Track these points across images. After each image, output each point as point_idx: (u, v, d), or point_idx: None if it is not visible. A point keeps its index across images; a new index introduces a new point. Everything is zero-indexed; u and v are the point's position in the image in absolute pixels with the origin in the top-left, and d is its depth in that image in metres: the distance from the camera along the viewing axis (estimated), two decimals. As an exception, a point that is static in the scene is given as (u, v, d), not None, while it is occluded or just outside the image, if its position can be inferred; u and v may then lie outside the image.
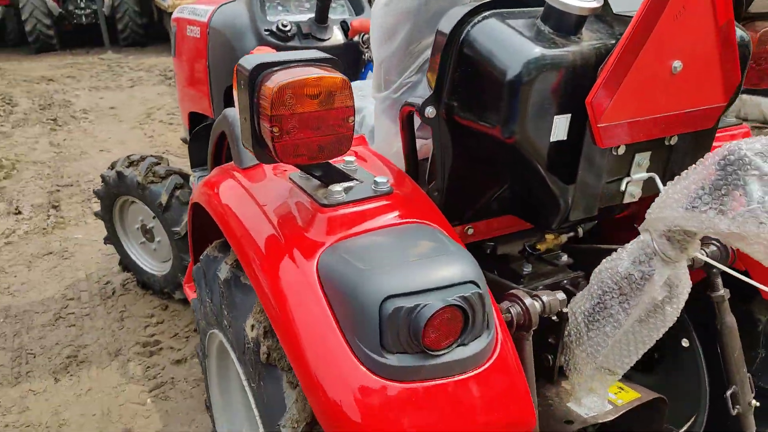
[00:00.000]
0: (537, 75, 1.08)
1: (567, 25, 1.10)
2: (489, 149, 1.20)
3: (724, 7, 1.11)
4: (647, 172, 1.23)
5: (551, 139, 1.13)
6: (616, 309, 1.21)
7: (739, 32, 1.30)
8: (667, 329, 1.23)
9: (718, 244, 1.46)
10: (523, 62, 1.07)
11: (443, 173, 1.26)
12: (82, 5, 12.70)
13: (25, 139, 6.51)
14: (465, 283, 0.99)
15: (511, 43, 1.10)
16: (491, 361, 1.02)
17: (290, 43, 2.30)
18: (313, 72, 1.01)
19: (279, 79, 0.98)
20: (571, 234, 1.51)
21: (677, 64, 1.11)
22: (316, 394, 0.99)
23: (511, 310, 1.19)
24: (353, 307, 0.98)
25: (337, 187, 1.18)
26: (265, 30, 2.27)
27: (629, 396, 1.44)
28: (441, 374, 0.98)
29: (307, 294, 1.04)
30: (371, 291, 0.97)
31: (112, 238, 3.29)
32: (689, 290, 1.20)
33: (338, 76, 1.02)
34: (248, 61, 1.04)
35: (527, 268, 1.47)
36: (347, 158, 1.30)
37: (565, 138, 1.14)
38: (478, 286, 1.00)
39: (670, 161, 1.29)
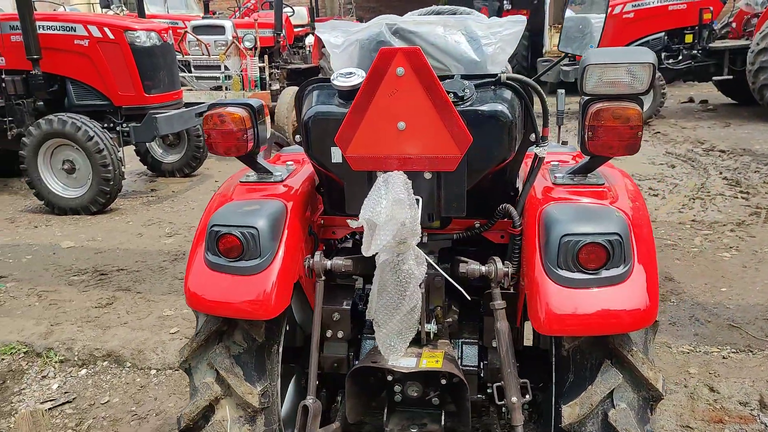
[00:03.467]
0: (316, 121, 1.78)
1: (345, 95, 1.76)
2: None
3: (436, 91, 1.60)
4: (414, 195, 1.75)
5: (332, 161, 1.81)
6: (376, 278, 1.80)
7: (499, 107, 1.71)
8: (407, 302, 1.75)
9: (497, 263, 1.80)
10: (310, 113, 1.80)
11: (319, 178, 2.03)
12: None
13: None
14: (250, 227, 1.80)
15: (309, 102, 1.83)
16: (258, 274, 1.79)
17: None
18: (229, 109, 1.95)
19: (210, 112, 1.96)
20: None
21: (401, 124, 1.64)
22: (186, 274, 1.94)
23: (308, 260, 1.91)
24: (206, 231, 1.90)
25: (252, 173, 2.09)
26: None
27: (433, 365, 1.91)
28: (230, 272, 1.81)
29: (204, 226, 1.97)
30: (210, 222, 1.87)
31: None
32: (420, 276, 1.71)
33: (240, 113, 1.93)
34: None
35: None
36: (288, 162, 2.19)
37: (341, 161, 1.79)
38: (257, 231, 1.80)
39: (430, 190, 1.75)
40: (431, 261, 1.76)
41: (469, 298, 1.79)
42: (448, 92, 1.70)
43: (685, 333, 3.49)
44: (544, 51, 13.81)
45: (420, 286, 1.83)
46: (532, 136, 1.86)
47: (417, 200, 1.76)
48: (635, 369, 1.72)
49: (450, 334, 2.10)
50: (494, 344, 2.08)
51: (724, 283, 4.10)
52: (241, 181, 2.09)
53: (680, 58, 10.34)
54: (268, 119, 2.13)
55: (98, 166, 5.88)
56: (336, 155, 1.81)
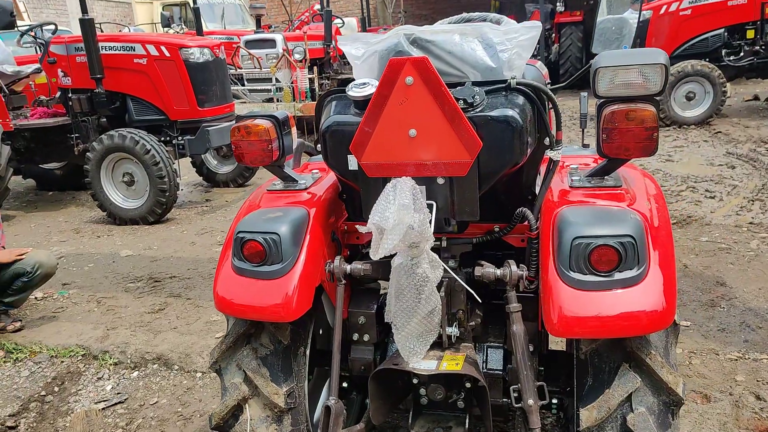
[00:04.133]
0: (333, 130, 1.85)
1: (360, 105, 1.82)
2: None
3: (444, 99, 1.64)
4: (427, 200, 1.79)
5: (349, 168, 1.87)
6: (392, 282, 1.85)
7: (510, 112, 1.73)
8: (423, 305, 1.79)
9: (512, 266, 1.81)
10: (327, 123, 1.86)
11: (340, 185, 2.09)
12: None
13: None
14: (272, 233, 1.88)
15: (327, 112, 1.89)
16: (280, 278, 1.87)
17: None
18: (255, 121, 2.04)
19: (237, 124, 2.06)
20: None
21: (413, 132, 1.68)
22: (215, 278, 2.04)
23: (329, 265, 1.97)
24: (233, 237, 1.99)
25: (279, 182, 2.17)
26: None
27: (454, 368, 1.94)
28: (254, 276, 1.89)
29: (232, 232, 2.07)
30: (236, 229, 1.96)
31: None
32: (435, 280, 1.75)
33: (265, 124, 2.02)
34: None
35: None
36: (314, 171, 2.27)
37: (357, 169, 1.85)
38: (279, 237, 1.88)
39: (444, 195, 1.79)
40: (444, 264, 1.79)
41: (480, 300, 1.81)
42: (458, 99, 1.73)
43: (735, 339, 3.36)
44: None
45: (440, 290, 1.87)
46: (547, 140, 1.87)
47: (431, 205, 1.80)
48: (654, 373, 1.69)
49: (474, 337, 2.12)
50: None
51: (781, 288, 3.93)
52: (268, 190, 2.18)
53: (741, 54, 9.93)
54: (294, 130, 2.21)
55: (155, 177, 6.16)
56: (352, 163, 1.87)
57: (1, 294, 4.01)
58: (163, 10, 13.27)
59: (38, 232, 6.55)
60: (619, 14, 10.80)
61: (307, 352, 2.12)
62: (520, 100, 1.79)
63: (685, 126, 9.54)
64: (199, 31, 8.58)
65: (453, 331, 2.02)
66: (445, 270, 1.84)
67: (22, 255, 4.01)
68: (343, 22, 11.11)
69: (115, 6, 20.35)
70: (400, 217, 1.56)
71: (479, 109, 1.76)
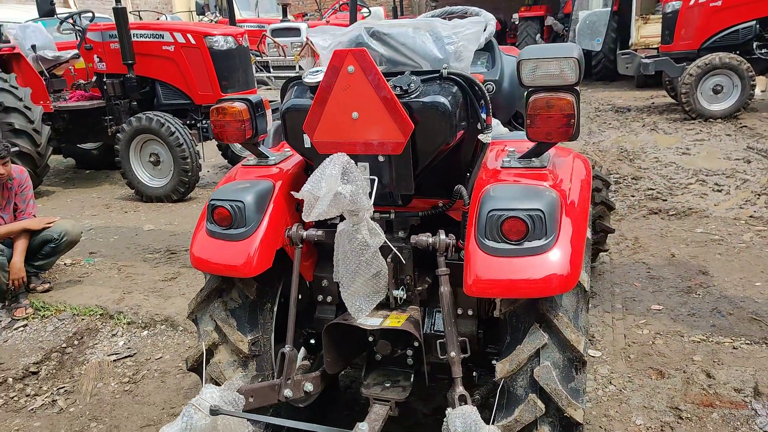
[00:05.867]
0: (290, 112, 2.11)
1: (313, 90, 2.07)
2: None
3: (381, 85, 1.88)
4: (371, 175, 2.03)
5: (305, 146, 2.12)
6: (337, 246, 2.09)
7: (441, 99, 1.95)
8: (365, 268, 2.03)
9: (441, 235, 2.04)
10: (286, 105, 2.12)
11: (305, 162, 2.36)
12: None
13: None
14: (238, 201, 2.16)
15: (288, 97, 2.15)
16: (243, 240, 2.14)
17: None
18: (232, 104, 2.31)
19: (215, 106, 2.34)
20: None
21: (355, 114, 1.92)
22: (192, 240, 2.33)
23: (288, 230, 2.23)
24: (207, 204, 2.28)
25: (253, 158, 2.45)
26: None
27: (395, 324, 2.17)
28: (222, 238, 2.17)
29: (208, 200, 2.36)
30: (211, 197, 2.25)
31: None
32: (374, 246, 2.00)
33: (239, 106, 2.29)
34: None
35: None
36: (287, 149, 2.54)
37: (310, 146, 2.10)
38: (243, 204, 2.15)
39: (385, 171, 2.02)
40: (380, 231, 2.02)
41: (404, 261, 2.05)
42: (396, 86, 1.97)
43: (702, 324, 3.51)
44: (630, 43, 13.34)
45: (387, 256, 2.12)
46: (479, 125, 2.09)
47: (373, 180, 2.05)
48: (560, 332, 1.91)
49: (423, 302, 2.36)
50: (459, 311, 2.32)
51: (761, 278, 4.03)
52: (242, 165, 2.47)
53: (774, 48, 9.78)
54: (269, 112, 2.48)
55: (178, 158, 6.54)
56: (307, 141, 2.13)
57: (32, 258, 4.42)
58: (199, -2, 13.72)
59: (73, 206, 7.02)
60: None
61: (274, 308, 2.40)
62: (454, 88, 2.02)
63: (711, 120, 9.47)
64: (232, 20, 8.92)
65: (399, 293, 2.25)
66: (398, 239, 2.10)
67: (50, 223, 4.41)
68: (370, 12, 11.33)
69: (156, -7, 20.96)
70: (330, 187, 1.82)
71: (414, 95, 1.99)
